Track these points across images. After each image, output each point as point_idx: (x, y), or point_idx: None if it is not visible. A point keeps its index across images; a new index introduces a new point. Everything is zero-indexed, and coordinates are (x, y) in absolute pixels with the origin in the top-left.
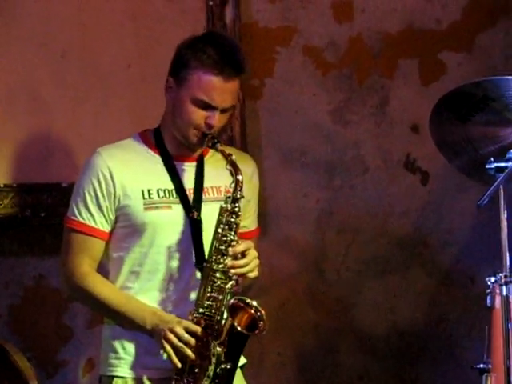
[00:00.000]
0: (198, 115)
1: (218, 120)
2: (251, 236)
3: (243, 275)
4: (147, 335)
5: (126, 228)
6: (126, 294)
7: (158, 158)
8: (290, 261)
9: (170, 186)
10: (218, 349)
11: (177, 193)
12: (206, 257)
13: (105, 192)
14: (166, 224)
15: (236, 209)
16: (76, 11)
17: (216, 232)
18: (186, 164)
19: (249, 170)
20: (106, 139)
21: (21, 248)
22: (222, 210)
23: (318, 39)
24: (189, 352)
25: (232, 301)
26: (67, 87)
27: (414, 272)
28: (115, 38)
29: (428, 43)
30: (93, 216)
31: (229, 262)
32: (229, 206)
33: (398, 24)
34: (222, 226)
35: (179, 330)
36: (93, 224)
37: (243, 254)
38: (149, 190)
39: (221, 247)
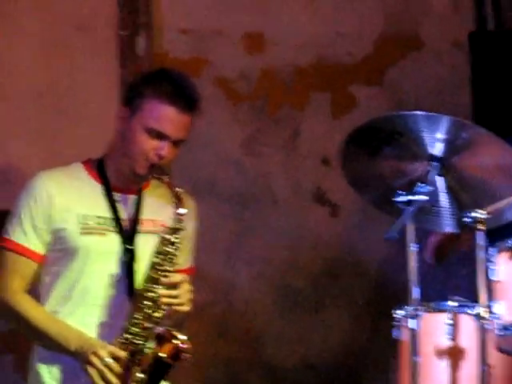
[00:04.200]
0: (150, 145)
1: (168, 151)
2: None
3: (174, 306)
4: (71, 357)
5: (60, 252)
6: (52, 316)
7: (98, 187)
8: (200, 292)
9: (107, 214)
10: (140, 375)
11: (113, 221)
12: (139, 285)
13: (40, 213)
14: (99, 250)
15: (175, 240)
16: None
17: (152, 261)
18: (126, 196)
19: (190, 209)
20: (18, 168)
21: None
22: (161, 240)
23: (230, 70)
24: (109, 376)
25: (159, 329)
26: None
27: (324, 304)
28: (26, 66)
29: (339, 76)
30: (27, 236)
31: (161, 291)
32: (168, 236)
33: (309, 57)
34: (158, 255)
35: (103, 354)
36: (26, 244)
37: (176, 286)
38: (86, 216)
39: (155, 276)
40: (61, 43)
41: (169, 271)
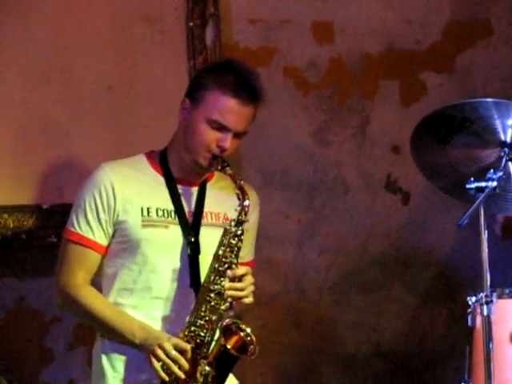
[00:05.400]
0: (211, 136)
1: (230, 143)
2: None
3: (238, 299)
4: (136, 349)
5: (122, 244)
6: (117, 309)
7: (161, 179)
8: (272, 281)
9: (170, 206)
10: (207, 368)
11: (176, 214)
12: (202, 278)
13: (105, 205)
14: (162, 243)
15: (239, 232)
16: (56, 35)
17: (217, 253)
18: (189, 188)
19: (252, 201)
20: (87, 161)
21: (1, 270)
22: (226, 232)
23: (299, 60)
24: (175, 369)
25: (226, 321)
26: (51, 111)
27: (396, 292)
28: (96, 60)
29: (408, 64)
30: (92, 229)
31: (226, 283)
32: (233, 228)
33: (378, 45)
34: (223, 247)
35: (168, 346)
36: (91, 236)
37: (240, 279)
38: (148, 208)
39: (220, 268)
40: (129, 35)
41: (234, 263)
